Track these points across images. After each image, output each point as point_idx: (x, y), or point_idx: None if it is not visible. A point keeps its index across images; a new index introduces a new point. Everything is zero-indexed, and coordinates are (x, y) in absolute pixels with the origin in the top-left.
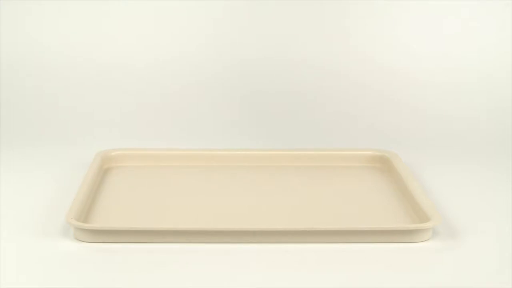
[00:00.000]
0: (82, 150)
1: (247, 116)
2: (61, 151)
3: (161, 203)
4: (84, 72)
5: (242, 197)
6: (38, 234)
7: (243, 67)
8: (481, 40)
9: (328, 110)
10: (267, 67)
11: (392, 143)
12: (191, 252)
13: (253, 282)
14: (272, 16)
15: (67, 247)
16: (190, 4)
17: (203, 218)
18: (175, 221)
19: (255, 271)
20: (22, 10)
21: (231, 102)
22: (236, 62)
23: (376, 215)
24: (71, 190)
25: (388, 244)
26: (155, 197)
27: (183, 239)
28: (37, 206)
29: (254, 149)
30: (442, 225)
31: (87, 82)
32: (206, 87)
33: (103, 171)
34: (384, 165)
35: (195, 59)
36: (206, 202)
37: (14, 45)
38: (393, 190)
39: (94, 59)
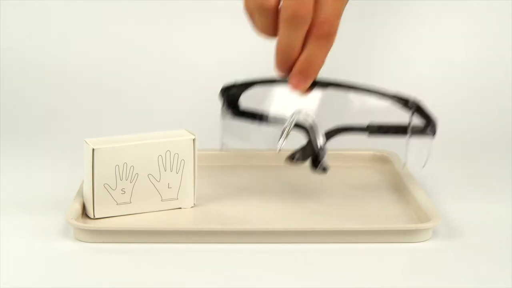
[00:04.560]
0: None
1: None
2: (61, 151)
3: None
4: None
5: (241, 197)
6: (38, 234)
7: (242, 66)
8: (481, 40)
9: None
10: (266, 66)
11: (392, 143)
12: (191, 252)
13: (252, 282)
14: None
15: (67, 247)
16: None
17: (202, 218)
18: (176, 221)
19: (255, 271)
20: (21, 9)
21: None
22: (236, 60)
23: (376, 215)
24: (72, 189)
25: (388, 244)
26: None
27: (184, 239)
28: (37, 206)
29: (253, 149)
30: (442, 225)
31: (93, 81)
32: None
33: None
34: (384, 165)
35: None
36: (206, 202)
37: (16, 44)
38: (393, 190)
39: (96, 59)
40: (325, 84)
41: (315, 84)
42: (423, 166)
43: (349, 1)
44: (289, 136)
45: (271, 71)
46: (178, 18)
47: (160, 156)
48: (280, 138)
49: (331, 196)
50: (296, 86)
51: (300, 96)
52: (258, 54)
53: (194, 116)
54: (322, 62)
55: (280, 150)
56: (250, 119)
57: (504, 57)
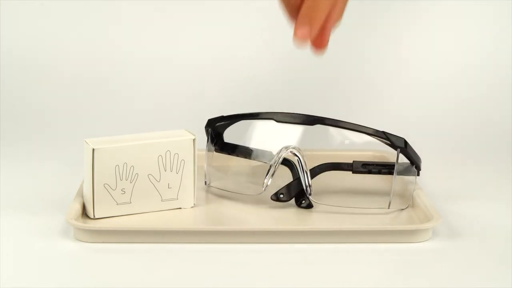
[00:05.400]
0: (83, 149)
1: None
2: (61, 151)
3: None
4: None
5: (241, 197)
6: (38, 234)
7: (250, 67)
8: (481, 40)
9: (329, 110)
10: (270, 66)
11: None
12: (191, 252)
13: (253, 282)
14: (276, 14)
15: (67, 247)
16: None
17: (202, 218)
18: (176, 221)
19: (255, 271)
20: (22, 10)
21: (235, 97)
22: (246, 63)
23: (376, 215)
24: (72, 189)
25: (388, 244)
26: None
27: (184, 239)
28: (37, 206)
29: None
30: (442, 225)
31: (93, 82)
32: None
33: None
34: None
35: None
36: (206, 202)
37: (16, 44)
38: (393, 190)
39: (96, 59)
40: (312, 121)
41: (308, 121)
42: (408, 205)
43: (351, 1)
44: (275, 173)
45: (271, 72)
46: (179, 18)
47: (160, 156)
48: (267, 175)
49: (331, 196)
50: (299, 36)
51: (315, 51)
52: (258, 54)
53: (194, 116)
54: (326, 7)
55: (266, 188)
56: (236, 153)
57: (504, 58)
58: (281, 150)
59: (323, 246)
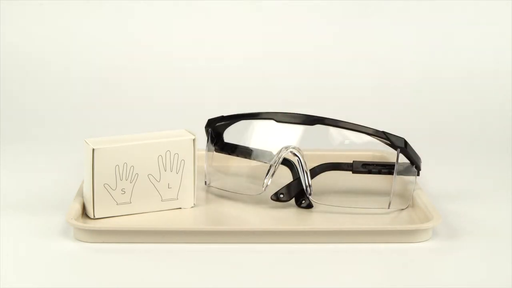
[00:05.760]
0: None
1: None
2: (61, 150)
3: None
4: (87, 74)
5: (241, 197)
6: (38, 234)
7: (246, 65)
8: (481, 40)
9: (329, 110)
10: (271, 66)
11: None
12: (191, 252)
13: (253, 282)
14: (277, 15)
15: (67, 247)
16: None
17: (202, 218)
18: (176, 221)
19: (256, 271)
20: (22, 10)
21: (235, 97)
22: (239, 59)
23: (376, 215)
24: (72, 189)
25: (388, 244)
26: None
27: (184, 239)
28: (37, 206)
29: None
30: (442, 225)
31: (91, 82)
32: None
33: None
34: None
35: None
36: (206, 202)
37: (16, 44)
38: (393, 190)
39: (96, 59)
40: (312, 121)
41: (309, 121)
42: (408, 205)
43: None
44: (275, 173)
45: (271, 72)
46: (179, 19)
47: (160, 156)
48: (267, 175)
49: (331, 196)
50: None
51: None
52: (259, 54)
53: (194, 116)
54: None
55: (266, 188)
56: (236, 153)
57: (505, 59)
58: (281, 150)
59: (323, 246)
